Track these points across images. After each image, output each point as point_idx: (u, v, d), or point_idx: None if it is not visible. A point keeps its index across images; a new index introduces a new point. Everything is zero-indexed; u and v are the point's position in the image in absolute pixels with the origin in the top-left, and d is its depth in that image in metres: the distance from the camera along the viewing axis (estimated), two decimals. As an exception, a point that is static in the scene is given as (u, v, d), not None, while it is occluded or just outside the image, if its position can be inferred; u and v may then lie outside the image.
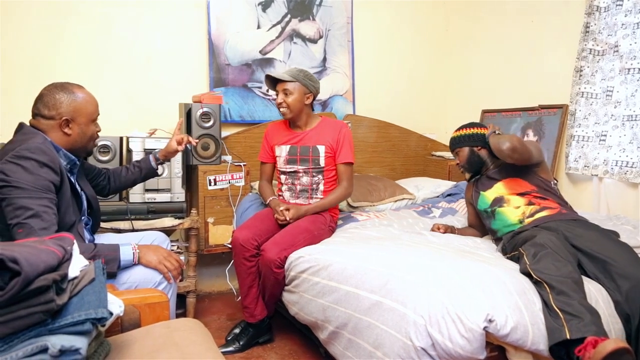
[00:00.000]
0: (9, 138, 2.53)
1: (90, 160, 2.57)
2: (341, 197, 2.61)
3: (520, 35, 3.55)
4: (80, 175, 1.98)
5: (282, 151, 2.63)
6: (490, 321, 1.47)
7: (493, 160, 2.46)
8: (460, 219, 2.88)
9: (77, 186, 1.89)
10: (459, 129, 2.56)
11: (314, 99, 2.60)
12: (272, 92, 3.41)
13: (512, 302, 1.55)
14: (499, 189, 2.36)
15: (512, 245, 2.07)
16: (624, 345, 1.44)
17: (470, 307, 1.49)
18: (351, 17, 3.72)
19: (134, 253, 1.79)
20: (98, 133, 1.92)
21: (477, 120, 3.77)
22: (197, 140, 2.42)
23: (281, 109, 2.54)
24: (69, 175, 1.81)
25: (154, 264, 1.81)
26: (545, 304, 1.61)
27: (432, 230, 2.55)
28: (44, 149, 1.66)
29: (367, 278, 1.81)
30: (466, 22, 4.04)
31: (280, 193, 2.70)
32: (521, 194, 2.28)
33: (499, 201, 2.33)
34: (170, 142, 2.30)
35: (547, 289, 1.63)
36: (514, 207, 2.27)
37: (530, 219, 2.19)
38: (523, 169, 2.34)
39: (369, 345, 1.69)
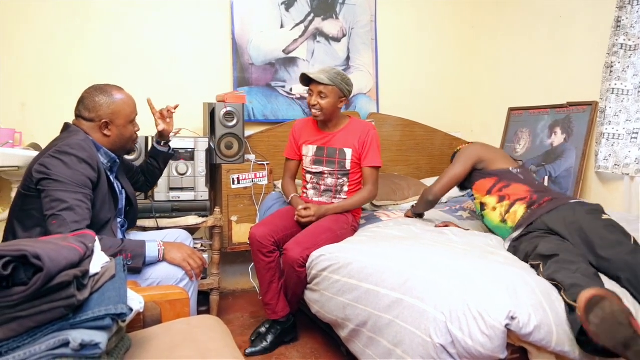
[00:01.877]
0: (42, 140, 2.63)
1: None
2: (365, 200, 2.59)
3: (548, 31, 3.47)
4: (120, 174, 2.06)
5: (309, 151, 2.63)
6: (512, 318, 1.44)
7: None
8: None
9: (115, 184, 1.95)
10: (459, 147, 2.78)
11: (347, 102, 2.58)
12: (295, 91, 3.43)
13: (535, 301, 1.52)
14: (475, 195, 2.52)
15: (521, 255, 2.05)
16: (599, 292, 1.44)
17: (492, 304, 1.46)
18: (375, 15, 3.70)
19: (159, 250, 1.83)
20: (137, 132, 2.00)
21: (503, 118, 3.72)
22: (176, 105, 2.28)
23: (314, 111, 2.51)
24: (108, 173, 1.88)
25: (178, 262, 1.85)
26: (566, 304, 1.58)
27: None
28: (84, 145, 1.74)
29: (387, 276, 1.80)
30: (492, 18, 3.97)
31: (304, 190, 2.70)
32: (489, 192, 2.41)
33: (482, 205, 2.45)
34: (156, 122, 2.25)
35: (561, 289, 1.62)
36: (492, 209, 2.37)
37: (510, 218, 2.26)
38: (473, 175, 2.53)
39: (389, 343, 1.68)
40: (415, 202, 2.88)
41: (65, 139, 1.76)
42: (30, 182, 1.70)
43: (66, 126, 1.88)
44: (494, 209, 2.35)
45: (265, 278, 2.40)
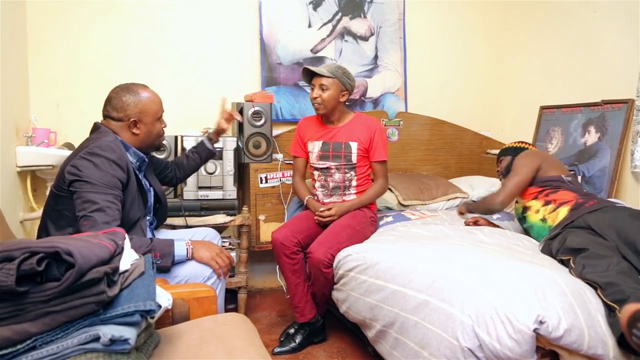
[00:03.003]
0: (75, 140, 2.69)
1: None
2: (379, 193, 2.63)
3: (582, 27, 3.38)
4: (148, 172, 2.09)
5: (314, 147, 2.64)
6: (541, 323, 1.41)
7: None
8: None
9: (144, 183, 1.99)
10: (510, 143, 2.85)
11: (349, 97, 2.59)
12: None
13: (566, 303, 1.48)
14: (519, 199, 2.53)
15: (553, 251, 2.03)
16: None
17: (520, 308, 1.44)
18: (403, 14, 3.67)
19: (187, 249, 1.85)
20: (164, 129, 2.03)
21: (534, 117, 3.65)
22: (241, 117, 2.55)
23: (315, 104, 2.54)
24: (136, 173, 1.91)
25: (207, 260, 1.87)
26: (604, 305, 1.55)
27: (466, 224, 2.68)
28: (113, 147, 1.77)
29: (414, 277, 1.78)
30: (524, 15, 3.89)
31: (314, 190, 2.71)
32: (535, 197, 2.40)
33: (525, 209, 2.44)
34: (219, 120, 2.43)
35: (597, 288, 1.60)
36: (535, 212, 2.37)
37: (551, 218, 2.24)
38: None
39: (416, 345, 1.67)
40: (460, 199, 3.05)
41: (95, 140, 1.80)
42: (63, 182, 1.75)
43: (96, 127, 1.91)
44: (537, 211, 2.36)
45: (291, 281, 2.42)
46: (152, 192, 2.08)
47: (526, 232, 2.49)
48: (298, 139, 2.72)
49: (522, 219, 2.50)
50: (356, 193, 2.60)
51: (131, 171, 1.84)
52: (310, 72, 2.53)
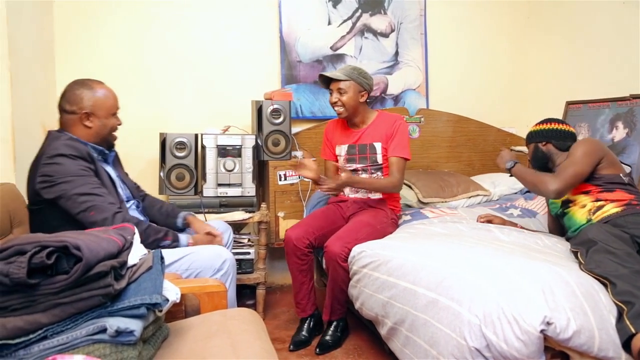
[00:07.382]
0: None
1: (167, 156, 2.73)
2: (390, 186, 2.51)
3: (609, 19, 3.28)
4: (117, 165, 2.12)
5: (341, 150, 2.66)
6: (548, 324, 1.39)
7: (559, 154, 2.33)
8: (543, 221, 2.71)
9: (112, 174, 2.00)
10: (533, 126, 2.47)
11: (368, 96, 2.59)
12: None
13: (576, 304, 1.45)
14: None
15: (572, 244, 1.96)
16: None
17: (527, 309, 1.42)
18: (424, 9, 3.64)
19: (188, 243, 2.03)
20: (118, 125, 2.03)
21: (560, 113, 3.56)
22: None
23: (336, 108, 2.55)
24: (102, 164, 1.94)
25: (207, 241, 2.07)
26: (616, 305, 1.51)
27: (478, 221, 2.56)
28: (69, 144, 1.80)
29: (424, 275, 1.78)
30: (549, 8, 3.81)
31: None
32: (586, 192, 2.18)
33: (566, 203, 2.24)
34: (206, 232, 2.15)
35: (607, 284, 1.55)
36: (581, 207, 2.16)
37: (598, 215, 2.07)
38: None
39: (425, 343, 1.66)
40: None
41: (47, 146, 1.82)
42: (37, 196, 1.76)
43: (47, 134, 1.93)
44: (584, 206, 2.14)
45: (297, 279, 2.49)
46: (125, 185, 2.09)
47: (563, 229, 2.31)
48: (327, 143, 2.75)
49: (563, 215, 2.26)
50: (382, 194, 2.60)
51: (96, 161, 1.86)
52: (327, 77, 2.55)
